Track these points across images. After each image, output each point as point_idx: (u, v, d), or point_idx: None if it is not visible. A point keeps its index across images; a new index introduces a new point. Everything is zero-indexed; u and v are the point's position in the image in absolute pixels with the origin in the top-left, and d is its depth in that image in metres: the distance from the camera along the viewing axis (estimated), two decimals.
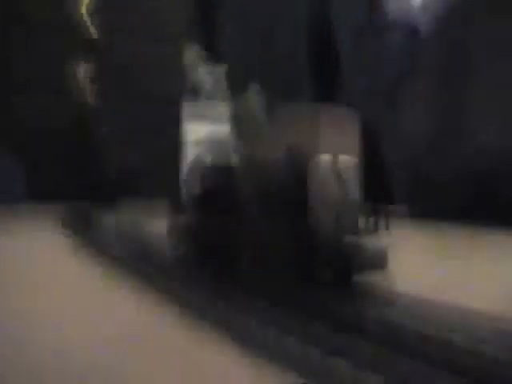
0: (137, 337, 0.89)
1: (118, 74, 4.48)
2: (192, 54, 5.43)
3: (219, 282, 1.10)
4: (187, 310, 1.05)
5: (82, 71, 4.34)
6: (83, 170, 4.09)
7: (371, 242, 1.05)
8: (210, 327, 0.93)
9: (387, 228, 1.04)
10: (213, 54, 5.89)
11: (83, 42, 4.45)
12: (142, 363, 0.78)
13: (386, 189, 3.97)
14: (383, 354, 0.67)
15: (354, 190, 1.07)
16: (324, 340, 0.74)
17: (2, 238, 2.42)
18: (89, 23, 4.45)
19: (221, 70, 5.81)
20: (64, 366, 0.79)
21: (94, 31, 4.46)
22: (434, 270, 1.61)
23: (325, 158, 1.04)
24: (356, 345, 0.70)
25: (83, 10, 4.40)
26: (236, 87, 5.77)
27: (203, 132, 5.25)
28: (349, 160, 1.09)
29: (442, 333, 0.70)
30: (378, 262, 1.05)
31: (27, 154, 4.07)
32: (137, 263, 1.55)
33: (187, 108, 5.07)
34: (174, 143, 4.76)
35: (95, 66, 4.42)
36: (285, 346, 0.77)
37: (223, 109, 5.38)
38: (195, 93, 5.53)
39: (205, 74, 5.65)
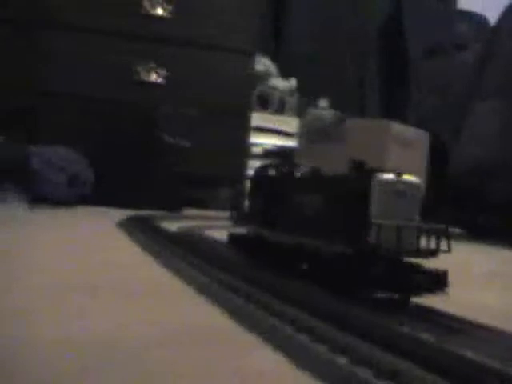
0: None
1: (184, 81, 4.51)
2: (262, 66, 5.45)
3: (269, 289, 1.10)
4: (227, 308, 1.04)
5: (150, 77, 4.38)
6: (147, 177, 4.11)
7: (431, 264, 1.03)
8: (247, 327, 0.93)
9: (449, 250, 1.01)
10: (283, 66, 5.90)
11: (153, 49, 4.50)
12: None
13: (449, 210, 3.91)
14: (431, 381, 0.65)
15: (417, 210, 1.05)
16: (372, 361, 0.72)
17: (57, 230, 2.45)
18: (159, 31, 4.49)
19: (290, 83, 5.82)
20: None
21: (163, 39, 4.50)
22: (496, 295, 1.57)
23: (389, 175, 1.02)
24: (406, 369, 0.68)
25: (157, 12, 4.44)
26: (305, 101, 5.76)
27: (269, 144, 5.25)
28: (413, 179, 1.06)
29: (502, 365, 0.67)
30: (438, 284, 1.02)
31: (95, 160, 4.12)
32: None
33: (254, 119, 5.08)
34: (238, 154, 4.77)
35: (164, 73, 4.45)
36: (333, 362, 0.76)
37: (291, 122, 5.39)
38: (263, 105, 5.55)
39: (274, 86, 5.66)
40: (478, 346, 0.76)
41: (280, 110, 5.55)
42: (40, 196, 3.72)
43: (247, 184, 1.60)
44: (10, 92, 4.57)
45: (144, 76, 4.37)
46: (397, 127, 3.70)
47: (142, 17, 4.42)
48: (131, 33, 4.43)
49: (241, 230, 1.62)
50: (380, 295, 0.95)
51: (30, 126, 4.32)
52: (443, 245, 1.01)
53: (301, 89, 5.83)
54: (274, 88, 5.51)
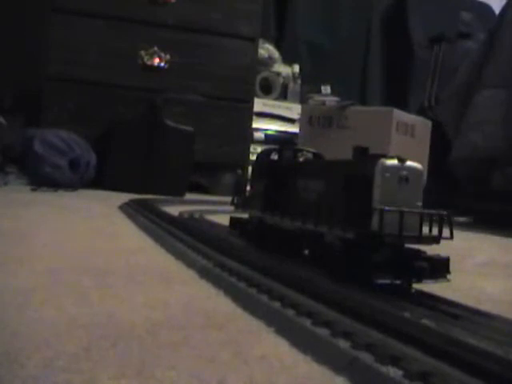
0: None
1: (187, 66, 4.49)
2: (265, 52, 5.43)
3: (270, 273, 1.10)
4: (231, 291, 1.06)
5: (153, 62, 4.37)
6: (150, 162, 4.11)
7: (433, 250, 1.03)
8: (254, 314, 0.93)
9: (451, 237, 1.02)
10: (286, 52, 5.89)
11: (160, 35, 4.48)
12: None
13: (451, 197, 3.92)
14: (437, 367, 0.65)
15: (419, 196, 1.05)
16: (374, 346, 0.72)
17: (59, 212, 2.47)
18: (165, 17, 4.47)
19: (293, 69, 5.81)
20: None
21: (169, 25, 4.48)
22: (498, 283, 1.57)
23: (392, 160, 1.02)
24: (408, 354, 0.68)
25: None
26: (308, 87, 5.75)
27: (272, 130, 5.25)
28: (416, 165, 1.06)
29: (502, 349, 0.67)
30: (439, 271, 1.02)
31: (98, 144, 4.14)
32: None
33: (257, 105, 5.07)
34: (241, 139, 4.77)
35: (167, 58, 4.44)
36: (333, 347, 0.76)
37: (293, 108, 5.39)
38: (266, 91, 5.54)
39: (277, 72, 5.65)
40: (479, 333, 0.76)
41: (283, 95, 5.54)
42: (42, 179, 3.73)
43: (250, 169, 1.60)
44: (14, 77, 4.57)
45: (147, 61, 4.36)
46: (399, 114, 3.70)
47: (146, 1, 4.41)
48: (135, 17, 4.42)
49: (242, 215, 1.62)
50: (381, 281, 0.95)
51: (33, 110, 4.32)
52: (445, 232, 1.01)
53: (304, 75, 5.83)
54: (277, 74, 5.51)
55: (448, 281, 1.01)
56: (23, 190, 3.44)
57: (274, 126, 5.15)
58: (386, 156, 1.04)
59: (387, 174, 1.00)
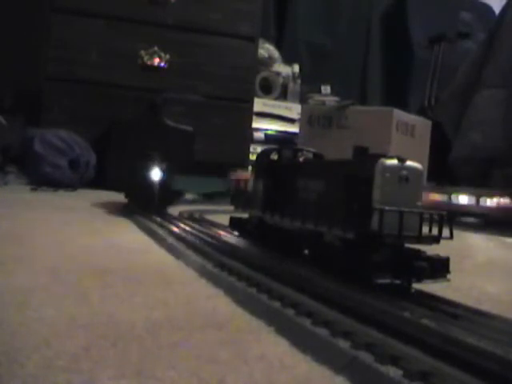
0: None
1: (187, 66, 4.49)
2: (265, 52, 5.43)
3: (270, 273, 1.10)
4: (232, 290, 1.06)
5: (153, 62, 4.36)
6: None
7: (433, 250, 1.03)
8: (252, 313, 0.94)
9: (451, 236, 1.01)
10: (286, 52, 5.88)
11: (160, 36, 4.47)
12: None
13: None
14: (437, 367, 0.65)
15: (419, 196, 1.05)
16: (373, 346, 0.72)
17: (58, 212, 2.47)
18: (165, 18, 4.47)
19: (293, 69, 5.80)
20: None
21: (170, 26, 4.47)
22: (498, 282, 1.57)
23: (392, 160, 1.02)
24: (409, 355, 0.68)
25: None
26: (307, 87, 5.74)
27: (272, 129, 5.24)
28: (416, 165, 1.06)
29: (501, 349, 0.67)
30: (439, 271, 1.02)
31: (98, 144, 4.15)
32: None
33: (257, 105, 5.06)
34: (241, 139, 4.76)
35: (167, 58, 4.43)
36: (333, 347, 0.76)
37: (293, 107, 5.37)
38: (266, 90, 5.53)
39: (277, 72, 5.64)
40: (479, 333, 0.76)
41: (283, 95, 5.54)
42: (42, 179, 3.73)
43: (250, 169, 1.60)
44: (14, 77, 4.57)
45: (147, 61, 4.36)
46: (400, 114, 3.70)
47: (146, 1, 4.41)
48: (135, 17, 4.41)
49: (242, 215, 1.62)
50: (381, 281, 0.95)
51: (33, 110, 4.32)
52: (445, 232, 1.01)
53: (304, 75, 5.82)
54: (277, 74, 5.50)
55: (448, 281, 1.01)
56: (23, 190, 3.44)
57: (274, 126, 5.15)
58: (385, 156, 1.03)
59: (387, 174, 1.00)
